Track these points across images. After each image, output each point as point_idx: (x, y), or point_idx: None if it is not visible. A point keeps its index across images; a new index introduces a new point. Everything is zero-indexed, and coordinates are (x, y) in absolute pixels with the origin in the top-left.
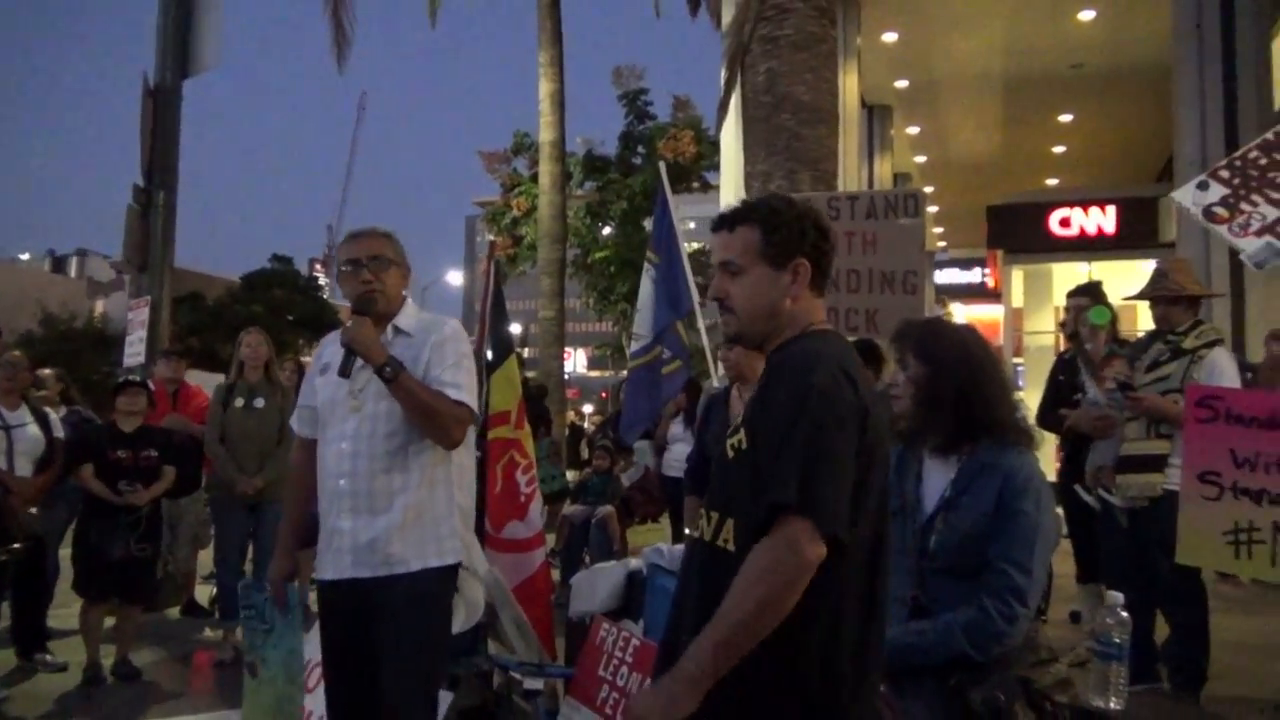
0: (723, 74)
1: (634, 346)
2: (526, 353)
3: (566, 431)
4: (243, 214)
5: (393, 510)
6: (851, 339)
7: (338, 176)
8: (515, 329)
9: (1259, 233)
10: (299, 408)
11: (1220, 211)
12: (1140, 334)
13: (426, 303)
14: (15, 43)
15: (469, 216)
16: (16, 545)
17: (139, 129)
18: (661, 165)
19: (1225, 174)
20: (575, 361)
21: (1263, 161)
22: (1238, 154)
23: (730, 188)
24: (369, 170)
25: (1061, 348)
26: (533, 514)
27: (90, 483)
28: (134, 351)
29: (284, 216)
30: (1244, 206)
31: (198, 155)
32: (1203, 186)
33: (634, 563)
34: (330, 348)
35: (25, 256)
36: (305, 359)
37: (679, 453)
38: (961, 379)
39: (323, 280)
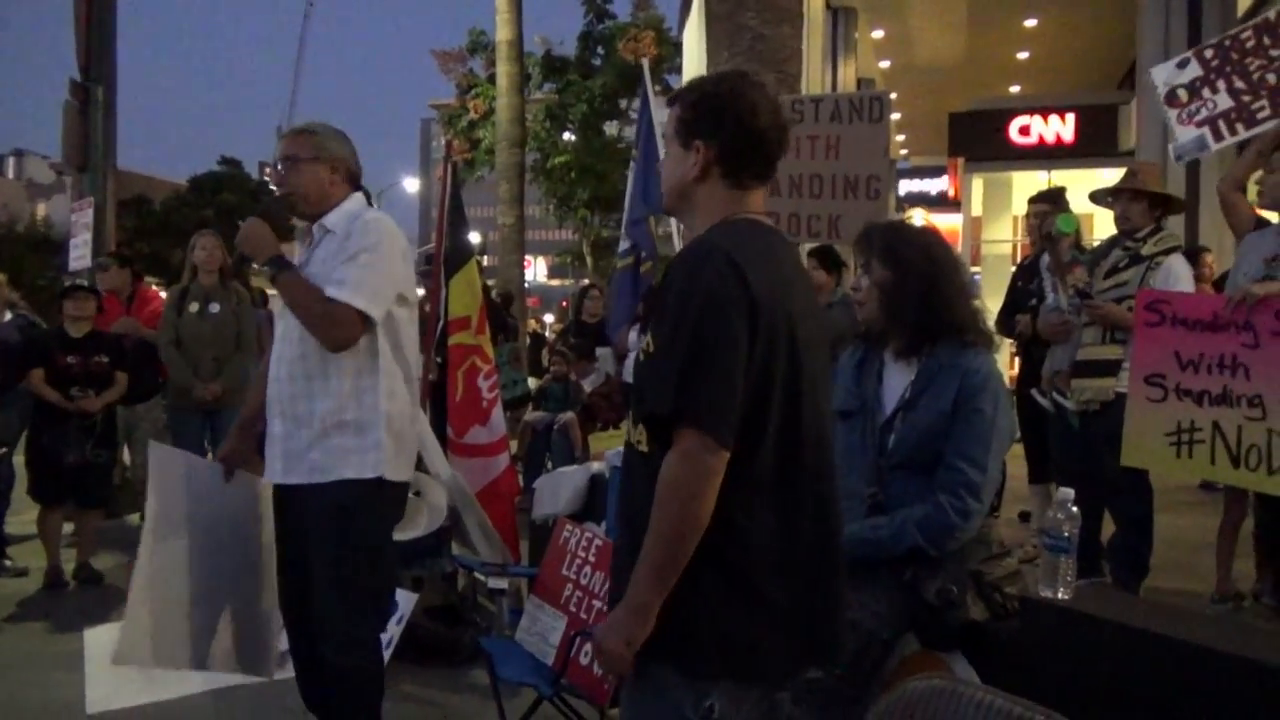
0: None
1: (620, 248)
2: (485, 261)
3: (528, 340)
4: (187, 114)
5: (312, 419)
6: (814, 244)
7: (287, 74)
8: (474, 238)
9: (1200, 123)
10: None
11: (1181, 95)
12: (1100, 242)
13: (382, 209)
14: None
15: (424, 119)
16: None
17: (73, 21)
18: (645, 63)
19: (1209, 54)
20: (535, 270)
21: (1250, 44)
22: (1231, 32)
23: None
24: (319, 71)
25: (1020, 256)
26: (495, 419)
27: (41, 388)
28: (79, 255)
29: (231, 118)
30: (1205, 93)
31: (138, 52)
32: (1182, 64)
33: (596, 466)
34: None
35: None
36: None
37: (633, 360)
38: (925, 282)
39: (273, 185)
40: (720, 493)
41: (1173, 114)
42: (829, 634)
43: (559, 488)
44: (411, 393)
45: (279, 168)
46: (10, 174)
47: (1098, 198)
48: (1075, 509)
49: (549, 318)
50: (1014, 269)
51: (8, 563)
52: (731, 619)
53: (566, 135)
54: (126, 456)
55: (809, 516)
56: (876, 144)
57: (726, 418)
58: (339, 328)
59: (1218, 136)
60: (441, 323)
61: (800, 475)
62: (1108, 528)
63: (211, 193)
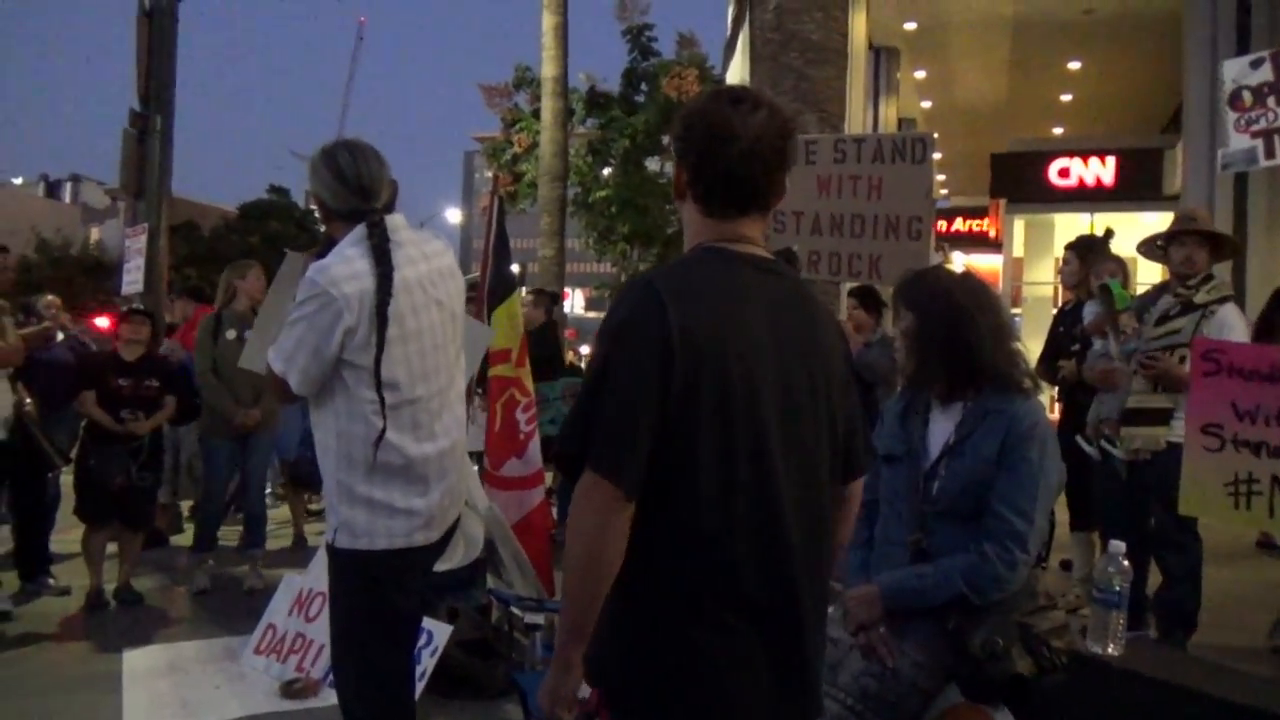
0: (730, 11)
1: None
2: (524, 292)
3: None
4: (238, 142)
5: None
6: (855, 285)
7: (335, 106)
8: (514, 268)
9: (1256, 134)
10: None
11: (1246, 98)
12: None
13: None
14: None
15: (468, 152)
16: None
17: (134, 51)
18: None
19: None
20: (573, 302)
21: None
22: None
23: None
24: (367, 102)
25: (1061, 299)
26: (531, 452)
27: (92, 410)
28: (132, 279)
29: (280, 146)
30: (1270, 102)
31: (192, 82)
32: (1256, 64)
33: None
34: None
35: (18, 181)
36: None
37: None
38: (947, 326)
39: (319, 213)
40: (642, 535)
41: (1232, 117)
42: (796, 686)
43: None
44: (416, 416)
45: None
46: (67, 198)
47: (1149, 248)
48: (1126, 563)
49: (585, 349)
50: (1054, 313)
51: (51, 581)
52: (657, 667)
53: (607, 170)
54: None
55: (749, 563)
56: (919, 185)
57: (620, 457)
58: (273, 392)
59: (1270, 153)
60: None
61: (734, 523)
62: (1154, 579)
63: (259, 220)
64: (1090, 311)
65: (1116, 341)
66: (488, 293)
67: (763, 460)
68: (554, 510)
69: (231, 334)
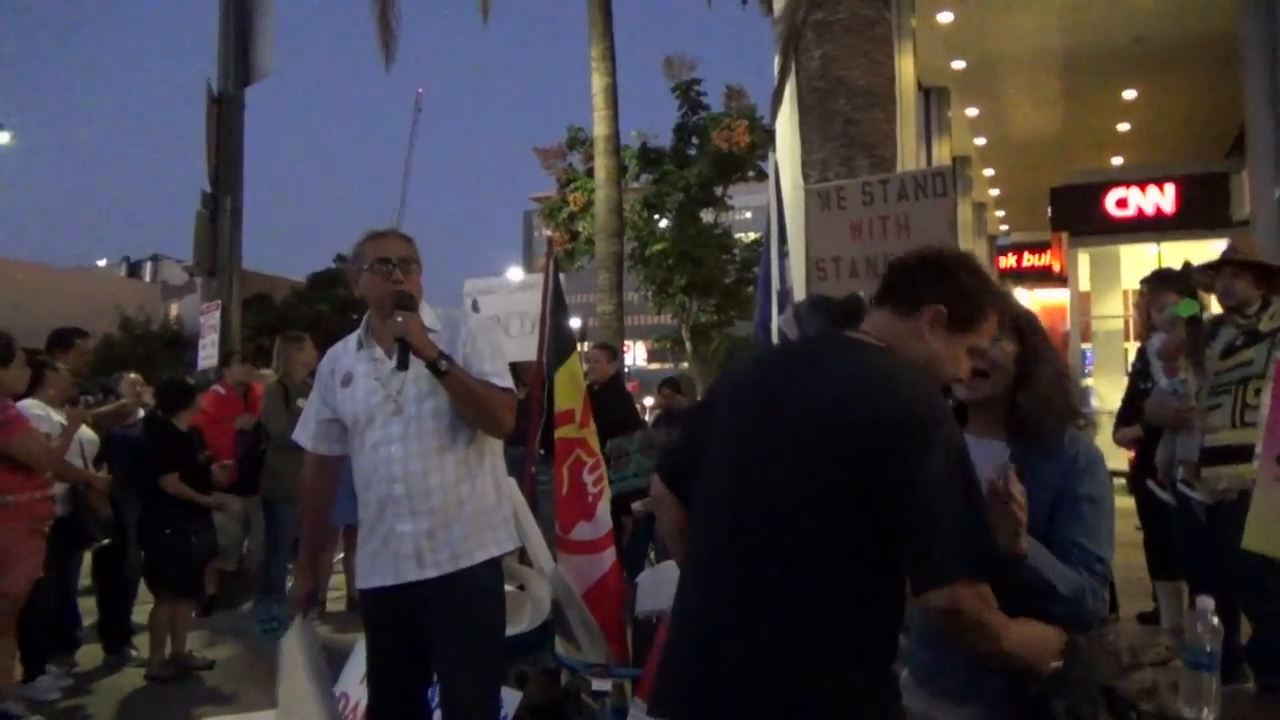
0: (776, 61)
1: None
2: (585, 346)
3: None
4: (306, 214)
5: (452, 507)
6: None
7: (396, 174)
8: (574, 323)
9: None
10: (313, 423)
11: None
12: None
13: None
14: (87, 57)
15: (526, 212)
16: (107, 540)
17: (204, 137)
18: (772, 164)
19: None
20: (635, 354)
21: None
22: None
23: (788, 176)
24: (427, 167)
25: (1132, 333)
26: (600, 514)
27: (180, 489)
28: (206, 354)
29: (345, 214)
30: None
31: (259, 157)
32: None
33: None
34: (345, 358)
35: (103, 263)
36: None
37: None
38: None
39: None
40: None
41: None
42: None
43: (662, 584)
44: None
45: (386, 264)
46: (148, 277)
47: (1201, 281)
48: (1217, 621)
49: (648, 400)
50: (1134, 357)
51: (133, 652)
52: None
53: (663, 223)
54: (244, 545)
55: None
56: (942, 219)
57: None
58: (509, 414)
59: None
60: (545, 415)
61: (697, 547)
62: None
63: (327, 288)
64: (1158, 343)
65: (1195, 377)
66: (547, 354)
67: (720, 487)
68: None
69: (301, 402)
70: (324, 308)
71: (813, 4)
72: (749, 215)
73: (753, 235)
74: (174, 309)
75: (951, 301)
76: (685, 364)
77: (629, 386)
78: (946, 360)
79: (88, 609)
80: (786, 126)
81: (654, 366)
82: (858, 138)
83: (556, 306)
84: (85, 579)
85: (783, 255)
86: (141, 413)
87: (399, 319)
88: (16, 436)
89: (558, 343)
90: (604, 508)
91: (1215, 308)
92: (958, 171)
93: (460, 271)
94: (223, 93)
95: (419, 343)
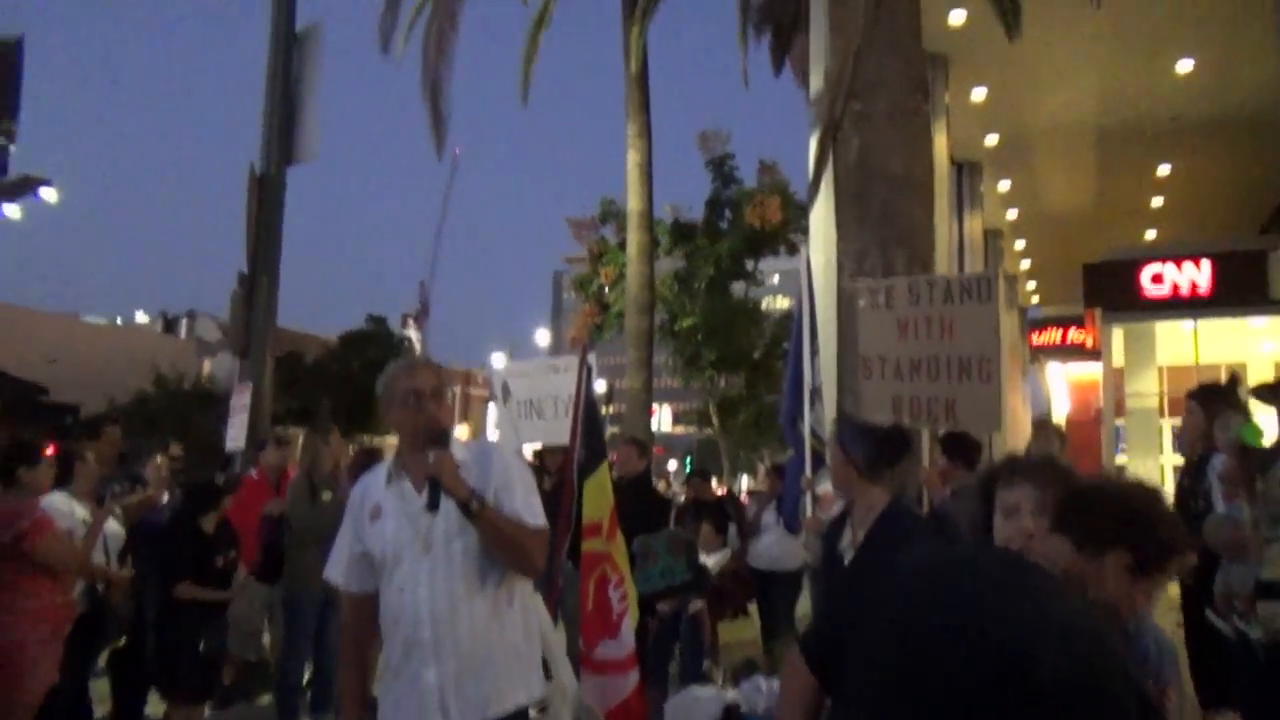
0: (812, 149)
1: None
2: (611, 409)
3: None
4: (339, 272)
5: (480, 651)
6: (940, 430)
7: (430, 232)
8: (600, 385)
9: None
10: (345, 557)
11: None
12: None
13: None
14: (133, 115)
15: (556, 272)
16: (122, 639)
17: (245, 216)
18: (802, 267)
19: None
20: (660, 418)
21: None
22: None
23: (820, 261)
24: (460, 228)
25: (1167, 408)
26: (625, 632)
27: (194, 592)
28: (235, 435)
29: (379, 272)
30: None
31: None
32: None
33: (731, 695)
34: (375, 490)
35: (142, 316)
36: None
37: (768, 543)
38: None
39: (413, 334)
40: None
41: None
42: None
43: (691, 714)
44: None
45: (419, 398)
46: (183, 334)
47: (1261, 393)
48: None
49: (672, 464)
50: (1180, 473)
51: None
52: None
53: (693, 295)
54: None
55: None
56: (986, 324)
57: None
58: (542, 554)
59: None
60: (574, 527)
61: None
62: None
63: (358, 348)
64: (1219, 466)
65: (1250, 504)
66: (578, 462)
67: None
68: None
69: (327, 495)
70: (355, 366)
71: (851, 95)
72: (776, 279)
73: (780, 301)
74: (206, 365)
75: (1140, 551)
76: (708, 429)
77: (654, 450)
78: (1124, 607)
79: (101, 693)
80: (821, 214)
81: (679, 430)
82: (896, 229)
83: (589, 415)
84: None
85: (814, 353)
86: (166, 497)
87: (431, 456)
88: (43, 541)
89: (589, 452)
90: (628, 625)
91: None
92: (989, 244)
93: (490, 329)
94: (265, 174)
95: (451, 482)
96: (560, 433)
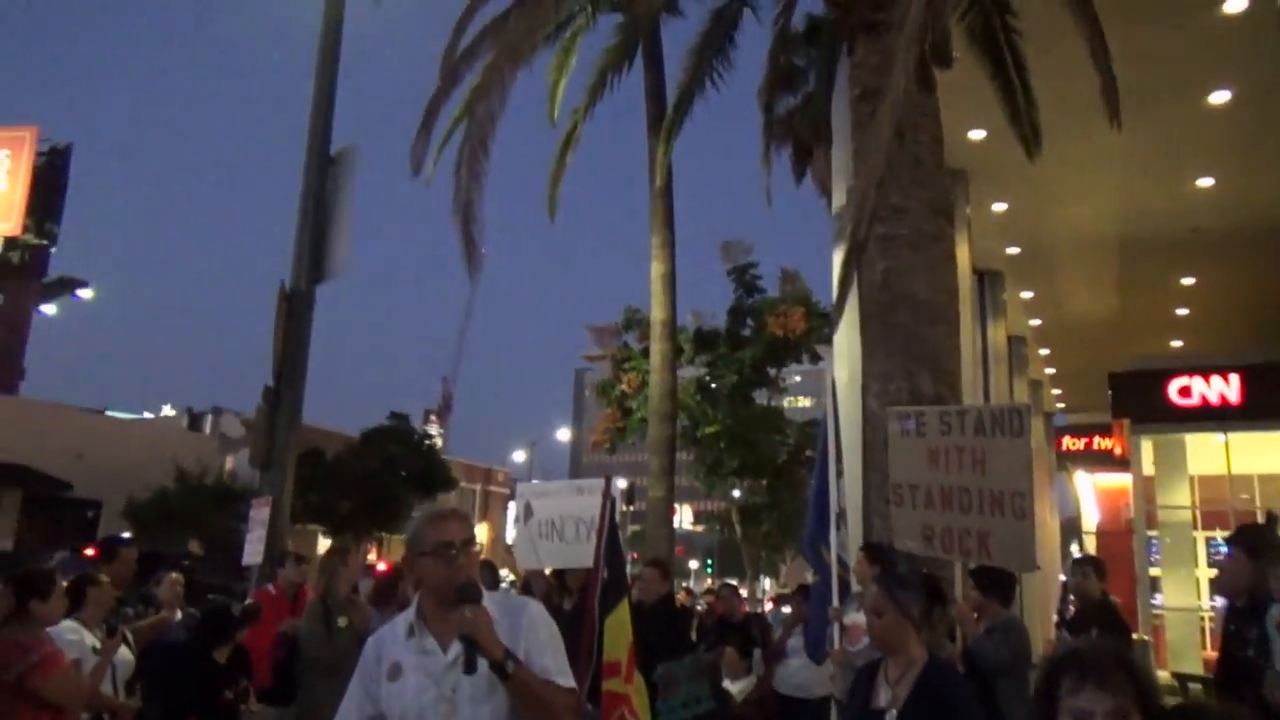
0: (835, 264)
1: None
2: (632, 508)
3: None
4: (362, 369)
5: None
6: (972, 564)
7: (453, 333)
8: (621, 483)
9: None
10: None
11: None
12: None
13: (535, 459)
14: (173, 222)
15: (578, 370)
16: None
17: (273, 331)
18: (827, 383)
19: None
20: (682, 517)
21: None
22: None
23: (844, 374)
24: (484, 328)
25: (1199, 522)
26: None
27: None
28: (253, 550)
29: (402, 371)
30: None
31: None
32: None
33: None
34: (392, 645)
35: (169, 409)
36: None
37: (794, 668)
38: None
39: (434, 431)
40: None
41: None
42: None
43: None
44: None
45: (449, 549)
46: (207, 429)
47: None
48: None
49: (693, 564)
50: (1223, 617)
51: None
52: None
53: (715, 405)
54: None
55: None
56: (1018, 459)
57: None
58: (574, 716)
59: None
60: (594, 665)
61: None
62: None
63: (379, 445)
64: (1278, 615)
65: None
66: (599, 599)
67: None
68: None
69: (343, 621)
70: (374, 464)
71: (875, 219)
72: (798, 379)
73: (802, 401)
74: (229, 462)
75: None
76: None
77: (675, 550)
78: None
79: None
80: (845, 336)
81: (700, 528)
82: (920, 352)
83: (611, 551)
84: None
85: (839, 474)
86: (179, 615)
87: (468, 614)
88: (50, 677)
89: (611, 586)
90: None
91: None
92: (1013, 351)
93: (512, 427)
94: (294, 289)
95: (487, 642)
96: (581, 556)
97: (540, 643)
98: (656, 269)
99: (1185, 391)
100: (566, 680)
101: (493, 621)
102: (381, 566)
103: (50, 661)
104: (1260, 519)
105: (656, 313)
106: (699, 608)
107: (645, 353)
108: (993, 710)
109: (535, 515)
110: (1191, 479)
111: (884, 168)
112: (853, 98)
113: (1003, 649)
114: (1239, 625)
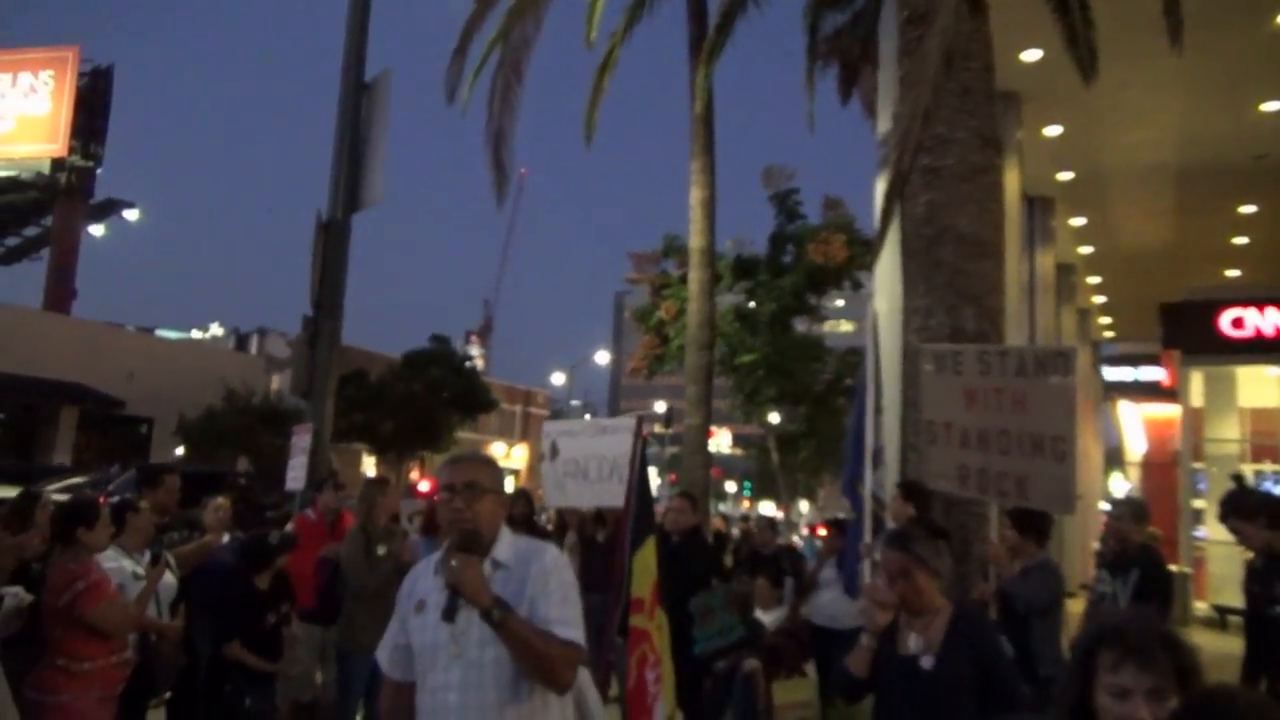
0: (879, 193)
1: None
2: (671, 429)
3: (711, 538)
4: (404, 293)
5: None
6: (1004, 506)
7: (495, 253)
8: (660, 406)
9: None
10: (392, 646)
11: None
12: None
13: (575, 381)
14: (216, 145)
15: (618, 293)
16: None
17: (311, 262)
18: (868, 319)
19: None
20: (719, 441)
21: None
22: None
23: (885, 307)
24: (524, 253)
25: (1250, 454)
26: (657, 715)
27: (240, 656)
28: (295, 476)
29: (445, 292)
30: None
31: (359, 235)
32: None
33: None
34: (424, 581)
35: (217, 329)
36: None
37: (827, 599)
38: None
39: (475, 352)
40: None
41: None
42: None
43: None
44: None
45: (449, 492)
46: (254, 349)
47: None
48: None
49: (731, 486)
50: (1246, 575)
51: None
52: None
53: (754, 333)
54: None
55: None
56: (1063, 402)
57: None
58: (572, 670)
59: None
60: (624, 602)
61: None
62: None
63: (421, 368)
64: None
65: None
66: (629, 536)
67: None
68: None
69: (382, 549)
70: (416, 387)
71: (920, 149)
72: (840, 303)
73: (844, 325)
74: (275, 382)
75: None
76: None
77: (712, 472)
78: None
79: None
80: (887, 271)
81: (739, 452)
82: (964, 287)
83: (641, 492)
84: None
85: (878, 411)
86: (226, 537)
87: (453, 563)
88: (98, 604)
89: (637, 525)
90: (660, 710)
91: None
92: (1061, 280)
93: (552, 349)
94: (331, 219)
95: (471, 592)
96: (604, 495)
97: (546, 591)
98: (696, 195)
99: (1238, 323)
100: (567, 631)
101: (497, 562)
102: (424, 486)
103: (98, 588)
104: None
105: (695, 240)
106: (733, 533)
107: (684, 279)
108: (1025, 651)
109: (561, 454)
110: (1242, 411)
111: (930, 97)
112: (901, 21)
113: (1039, 591)
114: (1262, 585)
